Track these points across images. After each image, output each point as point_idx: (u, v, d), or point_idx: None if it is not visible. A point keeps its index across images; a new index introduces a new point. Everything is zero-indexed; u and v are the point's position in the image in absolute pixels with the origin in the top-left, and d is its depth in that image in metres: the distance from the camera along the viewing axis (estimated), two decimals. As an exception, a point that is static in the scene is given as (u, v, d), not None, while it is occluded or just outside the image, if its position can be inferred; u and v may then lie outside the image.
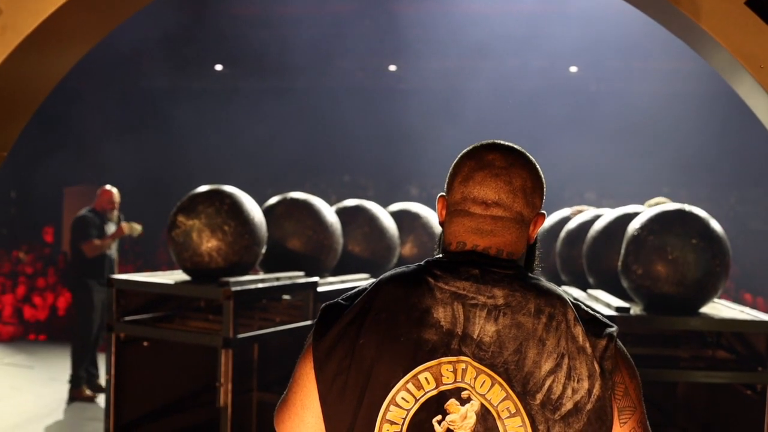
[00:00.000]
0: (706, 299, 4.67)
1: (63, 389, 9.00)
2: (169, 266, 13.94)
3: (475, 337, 1.82)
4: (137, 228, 9.12)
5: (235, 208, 5.26)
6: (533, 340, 1.82)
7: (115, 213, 9.21)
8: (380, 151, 18.47)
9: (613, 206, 7.34)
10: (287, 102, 17.75)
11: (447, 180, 2.05)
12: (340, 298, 1.98)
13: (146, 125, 17.86)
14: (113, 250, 9.11)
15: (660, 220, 4.68)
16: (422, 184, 19.84)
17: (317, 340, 1.90)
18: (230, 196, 5.31)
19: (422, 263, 1.97)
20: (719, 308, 4.96)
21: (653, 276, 4.61)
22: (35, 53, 3.91)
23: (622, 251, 4.81)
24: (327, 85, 18.42)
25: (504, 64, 17.09)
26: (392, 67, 19.31)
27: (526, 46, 15.60)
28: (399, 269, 1.99)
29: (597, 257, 5.41)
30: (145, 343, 5.53)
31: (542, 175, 2.03)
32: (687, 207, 4.75)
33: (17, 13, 3.78)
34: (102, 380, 8.99)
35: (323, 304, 1.98)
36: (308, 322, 5.54)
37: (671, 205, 4.82)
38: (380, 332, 1.85)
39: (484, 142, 2.05)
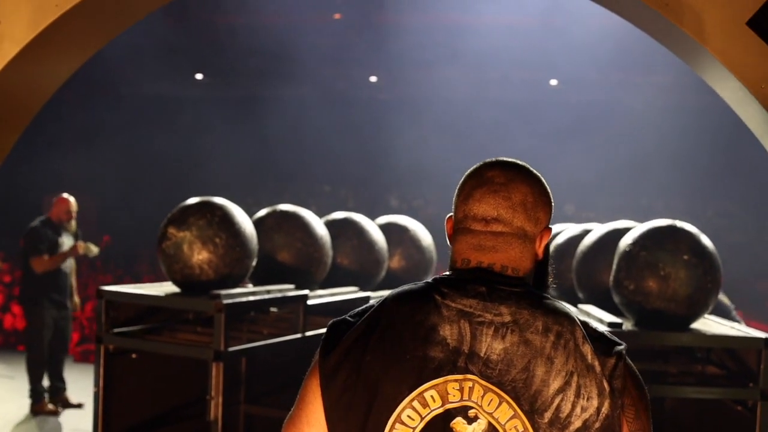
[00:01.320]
0: (697, 315, 4.69)
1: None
2: (150, 276, 13.84)
3: (482, 355, 1.82)
4: (93, 249, 8.79)
5: (226, 220, 5.24)
6: (541, 358, 1.82)
7: (73, 223, 8.82)
8: (361, 162, 18.51)
9: (592, 219, 7.38)
10: (268, 111, 17.73)
11: (454, 198, 2.06)
12: (348, 315, 1.98)
13: (126, 133, 17.78)
14: (69, 263, 8.77)
15: (652, 236, 4.71)
16: (402, 195, 19.87)
17: (324, 357, 1.90)
18: (221, 208, 5.28)
19: (430, 280, 1.97)
20: (710, 324, 4.98)
21: (645, 291, 4.63)
22: (32, 63, 3.90)
23: (614, 267, 4.83)
24: (308, 94, 18.43)
25: (485, 76, 17.16)
26: (373, 78, 19.34)
27: (507, 58, 15.68)
28: (406, 286, 1.99)
29: (587, 272, 5.43)
30: (134, 355, 5.49)
31: (548, 190, 2.03)
32: (678, 223, 4.77)
33: (15, 23, 3.76)
34: (69, 393, 8.90)
35: (330, 321, 1.98)
36: (297, 335, 5.53)
37: (662, 221, 4.84)
38: (386, 350, 1.85)
39: (488, 160, 2.06)
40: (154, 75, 17.54)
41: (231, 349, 5.00)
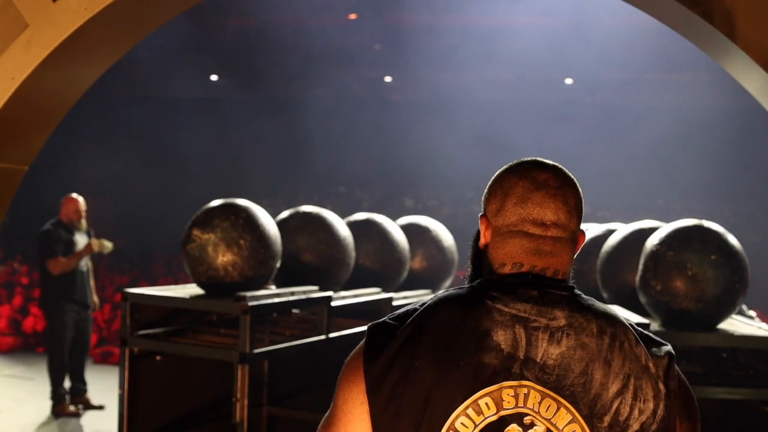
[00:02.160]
0: (724, 315, 4.68)
1: (64, 401, 8.94)
2: (167, 279, 13.84)
3: (538, 360, 1.79)
4: (107, 245, 8.68)
5: (250, 222, 5.24)
6: (599, 362, 1.80)
7: (83, 222, 8.76)
8: (375, 163, 18.49)
9: (608, 219, 7.36)
10: (282, 113, 17.74)
11: (492, 200, 1.99)
12: (387, 318, 1.93)
13: (142, 135, 17.83)
14: (86, 262, 8.75)
15: (679, 236, 4.69)
16: (417, 195, 19.85)
17: (369, 362, 1.85)
18: (246, 210, 5.29)
19: (475, 284, 1.93)
20: (736, 324, 4.96)
21: (672, 292, 4.61)
22: (60, 67, 3.90)
23: (641, 267, 4.81)
24: (322, 96, 18.43)
25: (499, 75, 17.12)
26: (388, 79, 19.33)
27: (522, 57, 15.64)
28: (452, 290, 1.95)
29: (612, 272, 5.41)
30: (158, 358, 5.49)
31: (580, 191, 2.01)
32: (705, 223, 4.75)
33: (43, 27, 3.77)
34: (90, 394, 8.89)
35: (369, 324, 1.93)
36: (321, 337, 5.52)
37: (689, 221, 4.82)
38: (438, 356, 1.80)
39: (525, 159, 2.02)
40: (169, 77, 17.57)
41: (256, 351, 4.99)
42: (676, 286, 4.59)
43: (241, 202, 5.37)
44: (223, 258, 5.14)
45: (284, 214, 6.14)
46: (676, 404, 1.83)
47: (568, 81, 18.67)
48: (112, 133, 17.80)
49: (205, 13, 16.36)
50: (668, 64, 15.38)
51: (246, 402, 4.95)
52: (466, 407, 1.77)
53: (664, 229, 4.83)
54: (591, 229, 6.22)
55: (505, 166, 2.01)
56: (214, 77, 19.59)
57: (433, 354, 1.81)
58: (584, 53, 15.06)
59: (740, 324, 4.99)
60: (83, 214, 8.74)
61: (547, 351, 1.80)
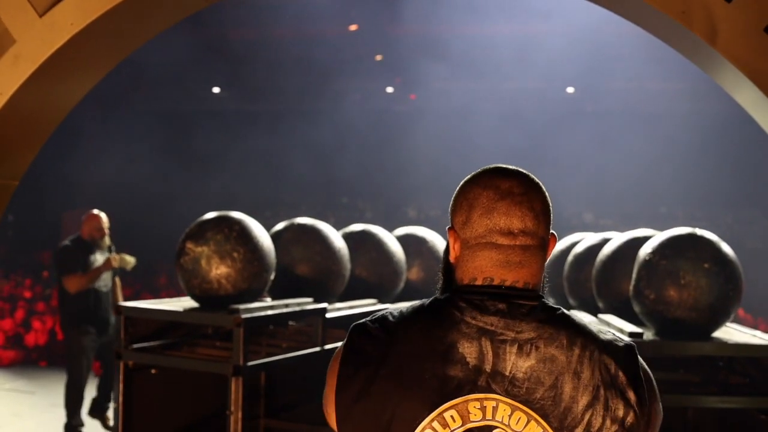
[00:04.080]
0: (719, 323, 4.66)
1: (65, 416, 8.92)
2: (169, 291, 13.85)
3: (507, 373, 1.78)
4: (130, 261, 8.23)
5: (244, 234, 5.24)
6: (569, 374, 1.79)
7: (106, 240, 8.23)
8: (378, 173, 18.50)
9: (610, 227, 7.35)
10: (284, 124, 17.77)
11: (458, 213, 1.97)
12: (368, 319, 1.93)
13: (143, 149, 17.85)
14: (106, 282, 8.17)
15: (672, 244, 4.68)
16: (420, 206, 19.84)
17: (343, 365, 1.87)
18: (239, 223, 5.29)
19: (445, 296, 1.92)
20: (731, 332, 4.94)
21: (666, 301, 4.59)
22: (48, 82, 3.91)
23: (634, 276, 4.79)
24: (324, 106, 18.46)
25: (501, 85, 17.13)
26: (389, 89, 19.34)
27: (523, 67, 15.65)
28: (425, 300, 1.94)
29: (607, 281, 5.39)
30: (153, 371, 5.49)
31: (548, 197, 1.99)
32: (698, 231, 4.74)
33: (30, 42, 3.78)
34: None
35: (353, 325, 1.92)
36: (317, 348, 5.52)
37: (682, 230, 4.81)
38: (403, 366, 1.81)
39: (488, 167, 1.99)
40: (171, 89, 17.61)
41: (250, 363, 4.99)
42: (670, 294, 4.57)
43: (235, 214, 5.37)
44: (217, 271, 5.15)
45: (279, 226, 6.14)
46: (649, 412, 1.83)
47: (570, 90, 18.66)
48: (112, 145, 17.82)
49: (206, 25, 16.41)
50: (668, 72, 15.36)
51: (240, 415, 4.95)
52: (431, 420, 1.77)
53: (657, 237, 4.81)
54: (587, 238, 6.21)
55: (468, 176, 1.99)
56: (216, 89, 19.62)
57: (398, 363, 1.82)
58: (585, 62, 15.06)
59: (735, 332, 4.97)
60: (106, 231, 8.25)
61: (516, 364, 1.79)
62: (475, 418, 1.77)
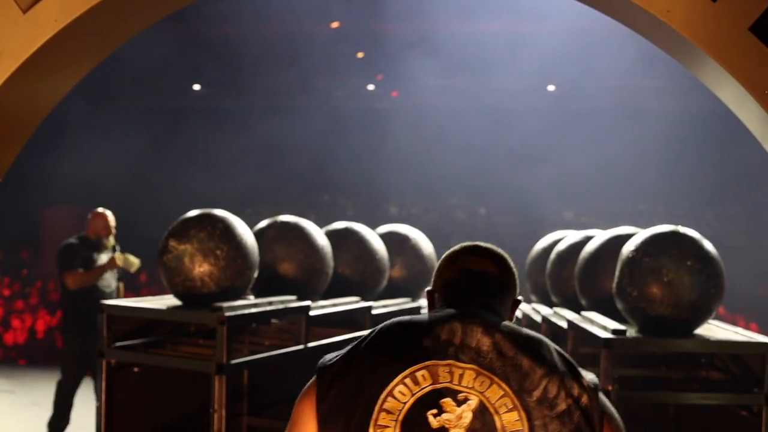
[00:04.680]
0: (701, 321, 4.69)
1: (46, 414, 8.86)
2: (150, 289, 13.79)
3: (473, 346, 2.02)
4: (134, 262, 7.99)
5: (227, 232, 5.22)
6: (529, 352, 2.03)
7: (111, 240, 8.03)
8: (359, 171, 18.48)
9: (591, 224, 7.38)
10: (265, 121, 17.72)
11: (434, 278, 2.34)
12: (329, 357, 2.15)
13: (123, 145, 17.75)
14: (108, 283, 7.93)
15: (655, 242, 4.70)
16: (402, 203, 19.84)
17: (320, 401, 2.05)
18: (222, 221, 5.27)
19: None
20: (713, 329, 4.97)
21: (649, 298, 4.62)
22: (31, 79, 3.88)
23: (617, 273, 4.82)
24: (305, 103, 18.42)
25: (484, 83, 17.16)
26: (371, 87, 19.34)
27: (506, 65, 15.67)
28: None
29: (590, 279, 5.42)
30: (136, 369, 5.47)
31: (513, 267, 2.33)
32: (681, 229, 4.77)
33: (13, 39, 3.75)
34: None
35: (319, 363, 2.13)
36: (300, 347, 5.50)
37: (665, 227, 4.83)
38: (381, 344, 2.08)
39: (464, 246, 2.35)
40: (152, 86, 17.53)
41: (233, 361, 4.97)
42: (653, 292, 4.60)
43: (218, 212, 5.35)
44: (200, 268, 5.13)
45: (262, 223, 6.12)
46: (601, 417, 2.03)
47: (551, 88, 18.71)
48: (91, 142, 17.70)
49: (188, 21, 16.34)
50: (650, 71, 15.42)
51: (224, 413, 4.93)
52: (404, 377, 1.99)
53: (640, 235, 4.84)
54: (569, 236, 6.24)
55: (447, 253, 2.36)
56: (196, 86, 19.55)
57: (376, 344, 2.08)
58: (567, 60, 15.10)
59: (717, 329, 5.00)
60: (113, 230, 8.07)
61: (481, 340, 2.03)
62: (444, 380, 1.98)
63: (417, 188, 18.93)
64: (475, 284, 2.23)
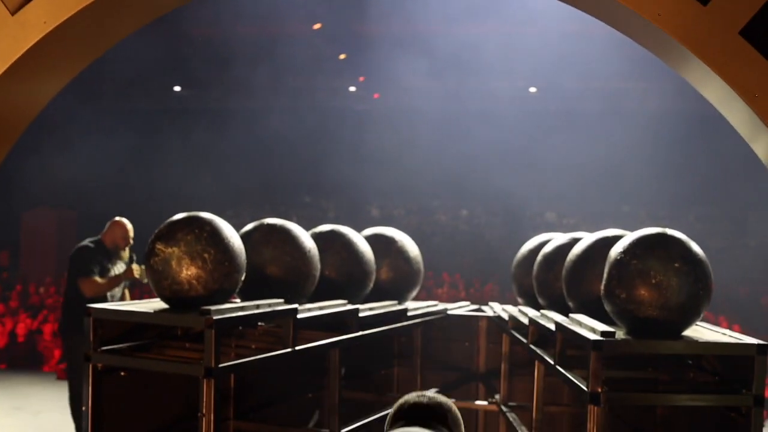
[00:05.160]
0: (689, 322, 4.70)
1: (28, 419, 8.81)
2: (133, 293, 13.75)
3: None
4: None
5: (214, 235, 5.19)
6: None
7: (128, 251, 7.92)
8: (340, 172, 18.47)
9: (573, 226, 7.41)
10: (246, 122, 17.69)
11: None
12: None
13: (104, 147, 17.68)
14: (113, 292, 7.78)
15: (643, 244, 4.71)
16: (383, 204, 19.86)
17: None
18: (210, 223, 5.24)
19: None
20: (701, 331, 4.99)
21: (637, 300, 4.63)
22: (20, 81, 3.86)
23: (605, 275, 4.82)
24: (287, 105, 18.40)
25: (466, 84, 17.18)
26: (352, 88, 19.34)
27: (486, 67, 15.71)
28: None
29: (577, 281, 5.43)
30: (123, 373, 5.43)
31: None
32: (669, 231, 4.78)
33: (2, 41, 3.73)
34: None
35: None
36: (288, 350, 5.48)
37: (653, 230, 4.85)
38: None
39: None
40: (133, 88, 17.44)
41: (222, 365, 4.94)
42: (641, 294, 4.61)
43: (205, 215, 5.32)
44: (188, 272, 5.09)
45: (249, 226, 6.09)
46: None
47: (532, 89, 18.75)
48: (75, 144, 17.61)
49: (169, 23, 16.28)
50: (633, 73, 15.49)
51: (212, 417, 4.90)
52: None
53: (628, 237, 4.85)
54: (556, 238, 6.25)
55: None
56: (177, 88, 19.48)
57: None
58: (548, 62, 15.14)
59: (705, 331, 5.02)
60: (131, 241, 7.96)
61: None
62: None
63: (399, 190, 18.93)
64: None
